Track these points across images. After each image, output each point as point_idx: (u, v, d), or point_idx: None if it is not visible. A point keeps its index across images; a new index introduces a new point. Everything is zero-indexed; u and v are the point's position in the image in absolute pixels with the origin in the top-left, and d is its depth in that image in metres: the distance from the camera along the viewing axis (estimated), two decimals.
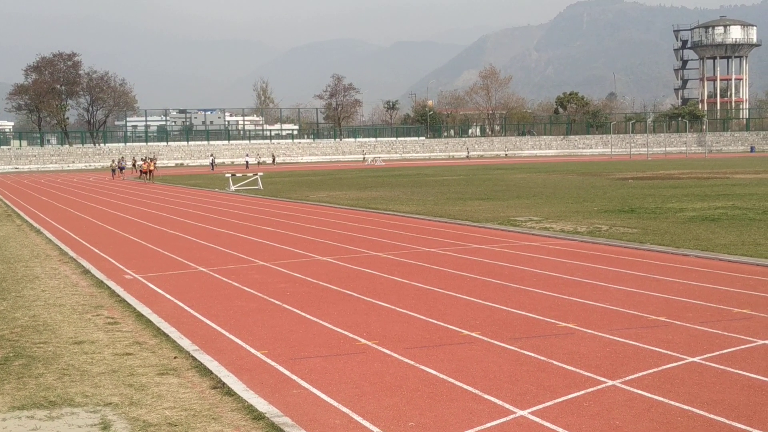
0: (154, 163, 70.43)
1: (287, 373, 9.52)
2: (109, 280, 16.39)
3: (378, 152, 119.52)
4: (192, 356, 10.33)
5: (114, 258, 19.92)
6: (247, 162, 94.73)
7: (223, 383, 9.12)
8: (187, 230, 26.22)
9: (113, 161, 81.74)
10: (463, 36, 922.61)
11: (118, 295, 14.76)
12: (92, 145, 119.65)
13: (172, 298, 14.40)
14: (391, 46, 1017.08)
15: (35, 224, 29.71)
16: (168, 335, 11.54)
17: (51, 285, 16.23)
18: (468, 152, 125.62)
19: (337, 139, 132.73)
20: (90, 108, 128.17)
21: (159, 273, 17.39)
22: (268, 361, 10.06)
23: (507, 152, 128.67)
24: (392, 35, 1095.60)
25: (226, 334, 11.58)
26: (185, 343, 11.04)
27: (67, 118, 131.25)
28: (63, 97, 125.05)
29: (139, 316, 13.00)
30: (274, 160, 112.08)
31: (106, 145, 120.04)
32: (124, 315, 13.17)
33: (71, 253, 20.98)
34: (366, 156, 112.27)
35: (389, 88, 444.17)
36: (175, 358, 10.38)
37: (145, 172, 67.19)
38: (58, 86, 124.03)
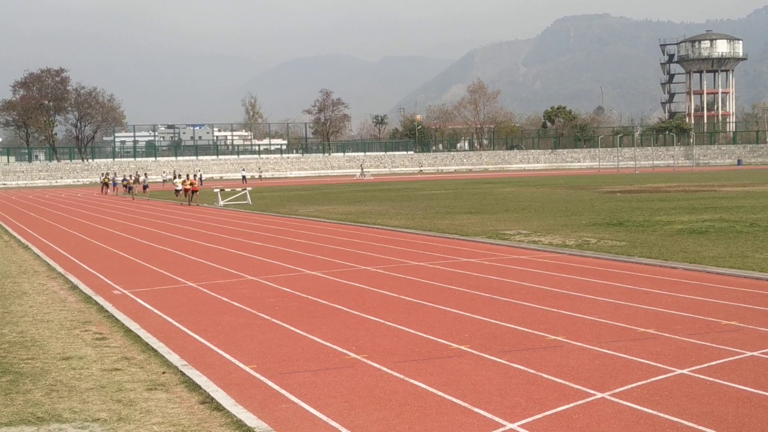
0: (198, 180, 57.58)
1: (276, 387, 9.49)
2: (97, 296, 16.33)
3: (366, 167, 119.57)
4: (181, 371, 10.29)
5: (102, 273, 19.85)
6: (243, 176, 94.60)
7: (212, 398, 9.09)
8: (176, 245, 26.16)
9: (104, 175, 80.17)
10: (451, 50, 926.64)
11: (107, 311, 14.71)
12: (80, 160, 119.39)
13: (160, 314, 14.35)
14: (379, 60, 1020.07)
15: (23, 240, 29.60)
16: (156, 350, 11.50)
17: (39, 301, 16.16)
18: (421, 167, 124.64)
19: (326, 154, 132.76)
20: (78, 124, 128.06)
21: (147, 288, 17.33)
22: (257, 375, 10.04)
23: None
24: (380, 50, 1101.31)
25: (215, 349, 11.55)
26: (174, 358, 11.00)
27: (55, 134, 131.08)
28: (51, 113, 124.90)
29: (128, 331, 12.96)
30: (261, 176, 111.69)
31: (95, 160, 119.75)
32: (113, 330, 13.12)
33: (59, 269, 20.90)
34: (363, 170, 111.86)
35: (378, 103, 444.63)
36: (163, 373, 10.34)
37: (187, 191, 51.12)
38: (46, 102, 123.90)
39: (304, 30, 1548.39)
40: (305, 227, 31.53)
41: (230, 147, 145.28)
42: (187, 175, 58.63)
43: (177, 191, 54.10)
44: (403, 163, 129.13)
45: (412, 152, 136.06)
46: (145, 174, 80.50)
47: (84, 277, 19.35)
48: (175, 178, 58.04)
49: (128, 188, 61.82)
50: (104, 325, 13.54)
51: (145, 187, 66.84)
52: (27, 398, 9.33)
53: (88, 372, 10.49)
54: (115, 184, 76.16)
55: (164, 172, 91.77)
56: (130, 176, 75.87)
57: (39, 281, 19.05)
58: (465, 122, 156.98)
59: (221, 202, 48.72)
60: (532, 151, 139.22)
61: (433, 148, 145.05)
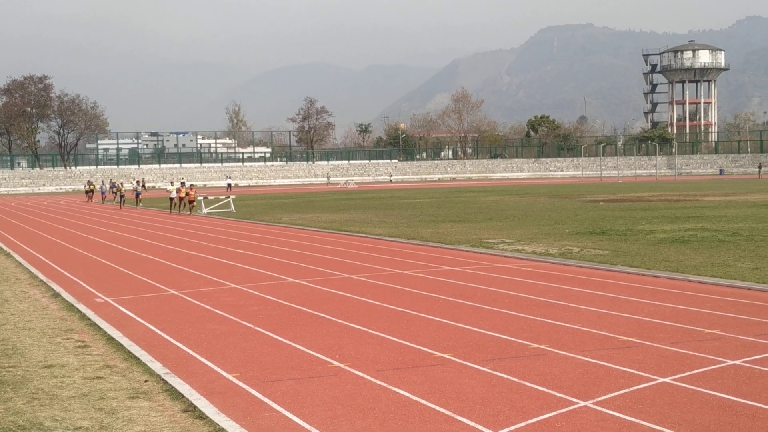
0: (193, 190, 50.06)
1: (259, 396, 9.47)
2: (79, 304, 16.26)
3: (351, 175, 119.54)
4: (163, 379, 10.26)
5: (85, 281, 19.76)
6: (228, 184, 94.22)
7: (195, 407, 9.06)
8: (159, 253, 26.07)
9: (90, 183, 75.60)
10: (435, 59, 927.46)
11: (89, 319, 14.64)
12: (63, 168, 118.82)
13: (143, 322, 14.29)
14: (363, 69, 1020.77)
15: (5, 247, 29.43)
16: (139, 358, 11.46)
17: (21, 308, 16.07)
18: (390, 176, 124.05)
19: (310, 162, 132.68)
20: (61, 131, 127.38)
21: (130, 296, 17.27)
22: (240, 384, 10.01)
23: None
24: (365, 58, 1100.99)
25: (198, 357, 11.51)
26: (156, 366, 10.96)
27: (38, 141, 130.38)
28: (34, 120, 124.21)
29: (110, 339, 12.90)
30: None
31: (77, 168, 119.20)
32: (95, 338, 13.06)
33: (41, 277, 20.80)
34: (331, 179, 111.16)
35: (362, 111, 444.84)
36: (146, 381, 10.30)
37: (182, 200, 49.12)
38: (29, 109, 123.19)
39: (288, 38, 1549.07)
40: (289, 235, 31.49)
41: (214, 155, 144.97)
42: (182, 183, 54.14)
43: (171, 199, 50.57)
44: (387, 172, 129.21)
45: (396, 160, 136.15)
46: (142, 181, 73.30)
47: (66, 284, 19.26)
48: (171, 185, 53.12)
49: (174, 200, 50.06)
50: (86, 333, 13.48)
51: (137, 195, 59.01)
52: (8, 406, 9.27)
53: (70, 380, 10.44)
54: (103, 192, 71.99)
55: (135, 180, 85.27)
56: (136, 182, 67.84)
57: (21, 289, 18.94)
58: (449, 131, 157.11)
59: (204, 210, 48.61)
60: (516, 160, 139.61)
61: (417, 156, 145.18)
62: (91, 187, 74.47)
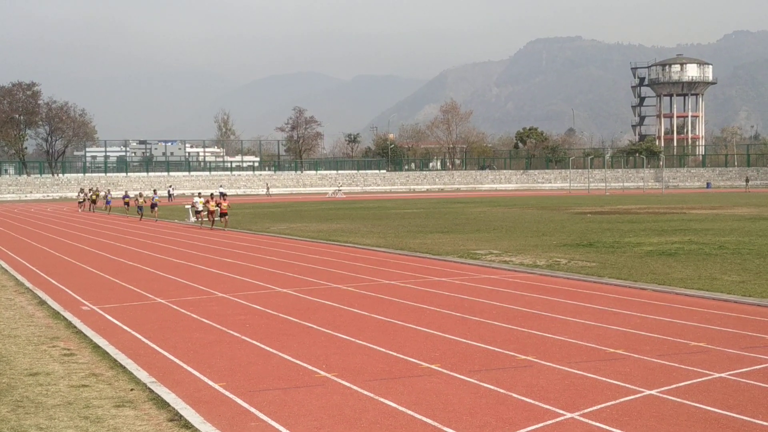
0: (226, 200, 43.93)
1: (245, 405, 9.45)
2: (65, 311, 16.19)
3: (339, 185, 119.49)
4: (149, 388, 10.22)
5: (71, 289, 19.69)
6: (222, 194, 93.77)
7: (181, 415, 9.02)
8: (146, 261, 26.00)
9: (83, 191, 71.31)
10: (424, 70, 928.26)
11: (75, 327, 14.58)
12: (50, 175, 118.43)
13: (129, 330, 14.24)
14: (352, 79, 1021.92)
15: None
16: (125, 367, 11.41)
17: (6, 316, 16.00)
18: (338, 188, 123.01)
19: (299, 172, 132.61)
20: (49, 138, 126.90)
21: (116, 304, 17.20)
22: (227, 393, 9.98)
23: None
24: (354, 68, 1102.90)
25: (184, 366, 11.47)
26: (142, 374, 10.92)
27: (26, 148, 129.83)
28: (21, 127, 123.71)
29: (96, 347, 12.85)
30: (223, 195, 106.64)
31: (65, 175, 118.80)
32: (81, 346, 13.01)
33: (27, 284, 20.71)
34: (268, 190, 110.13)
35: (350, 121, 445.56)
36: (131, 390, 10.26)
37: (212, 213, 41.67)
38: (17, 116, 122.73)
39: (277, 48, 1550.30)
40: (277, 244, 31.45)
41: (202, 163, 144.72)
42: (212, 194, 45.83)
43: (198, 212, 44.05)
44: (376, 182, 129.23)
45: (384, 171, 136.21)
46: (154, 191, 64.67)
47: (52, 292, 19.18)
48: (198, 196, 45.56)
49: (202, 213, 43.75)
50: (72, 341, 13.42)
51: (153, 206, 53.10)
52: None
53: (55, 388, 10.39)
54: (108, 202, 65.07)
55: (108, 190, 74.04)
56: (152, 191, 61.33)
57: (6, 296, 18.85)
58: (437, 142, 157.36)
59: (192, 219, 48.48)
60: (504, 171, 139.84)
61: (406, 167, 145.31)
62: (95, 195, 68.89)
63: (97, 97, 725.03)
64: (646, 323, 14.07)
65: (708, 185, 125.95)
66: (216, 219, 41.56)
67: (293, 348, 12.47)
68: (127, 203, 63.99)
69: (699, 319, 14.35)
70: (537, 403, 9.35)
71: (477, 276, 20.98)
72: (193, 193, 43.38)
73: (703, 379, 10.34)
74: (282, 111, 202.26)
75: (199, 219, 44.11)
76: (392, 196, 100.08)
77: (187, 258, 26.86)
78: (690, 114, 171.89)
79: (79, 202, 69.26)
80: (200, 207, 43.68)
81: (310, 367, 11.23)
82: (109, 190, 73.37)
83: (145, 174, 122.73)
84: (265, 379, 10.67)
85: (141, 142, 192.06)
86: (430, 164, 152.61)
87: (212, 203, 42.05)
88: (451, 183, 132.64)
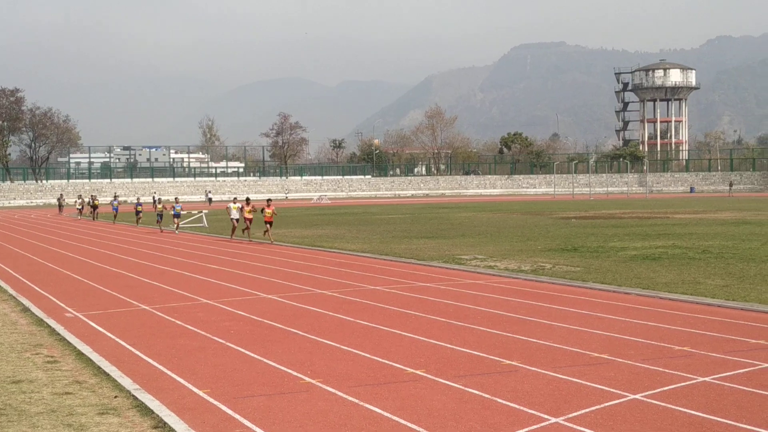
0: (271, 207, 36.12)
1: (230, 412, 9.41)
2: (49, 318, 16.11)
3: (324, 190, 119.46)
4: (133, 395, 10.17)
5: (54, 296, 19.59)
6: (210, 199, 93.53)
7: (165, 423, 8.98)
8: (130, 268, 25.90)
9: (81, 197, 68.80)
10: (409, 76, 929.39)
11: (59, 334, 14.50)
12: (34, 181, 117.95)
13: (113, 337, 14.18)
14: (337, 85, 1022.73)
15: None
16: (109, 374, 11.36)
17: None
18: (287, 193, 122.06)
19: (284, 177, 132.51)
20: (32, 144, 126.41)
21: (100, 311, 17.13)
22: (211, 400, 9.94)
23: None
24: (339, 74, 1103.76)
25: (168, 373, 11.43)
26: (126, 382, 10.87)
27: (9, 155, 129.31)
28: (5, 133, 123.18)
29: (80, 354, 12.78)
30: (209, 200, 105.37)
31: (49, 181, 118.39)
32: (64, 354, 12.94)
33: (11, 291, 20.59)
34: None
35: (335, 127, 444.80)
36: (115, 397, 10.21)
37: (249, 221, 36.71)
38: (0, 122, 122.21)
39: (262, 53, 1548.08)
40: (261, 250, 31.39)
41: (187, 169, 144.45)
42: (247, 199, 38.89)
43: (234, 221, 38.27)
44: (361, 188, 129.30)
45: (369, 176, 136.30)
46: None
47: (36, 299, 19.08)
48: (233, 202, 40.06)
49: (159, 216, 43.26)
50: (56, 348, 13.35)
51: (176, 216, 45.87)
52: None
53: (38, 396, 10.33)
54: (115, 209, 59.90)
55: (92, 196, 69.00)
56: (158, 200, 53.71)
57: None
58: (422, 147, 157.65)
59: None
60: (489, 176, 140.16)
61: (391, 172, 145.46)
62: (96, 202, 65.06)
63: (82, 102, 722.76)
64: (630, 327, 14.10)
65: (692, 190, 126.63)
66: (247, 227, 36.48)
67: (278, 354, 12.45)
68: (138, 212, 53.95)
69: (683, 324, 14.40)
70: (522, 408, 9.36)
71: (462, 281, 20.99)
72: (249, 201, 37.44)
73: (687, 383, 10.37)
74: (268, 116, 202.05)
75: (238, 230, 37.86)
76: (377, 202, 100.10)
77: (171, 264, 26.78)
78: (673, 119, 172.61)
79: (78, 209, 66.68)
80: (235, 214, 38.18)
81: (295, 374, 11.20)
82: (116, 195, 70.20)
83: (129, 180, 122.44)
84: (249, 385, 10.64)
85: (125, 148, 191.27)
86: (415, 170, 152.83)
87: (248, 209, 36.70)
88: (436, 188, 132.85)
